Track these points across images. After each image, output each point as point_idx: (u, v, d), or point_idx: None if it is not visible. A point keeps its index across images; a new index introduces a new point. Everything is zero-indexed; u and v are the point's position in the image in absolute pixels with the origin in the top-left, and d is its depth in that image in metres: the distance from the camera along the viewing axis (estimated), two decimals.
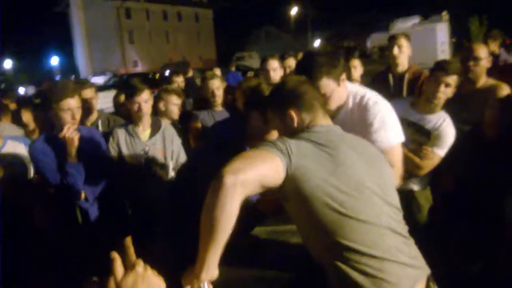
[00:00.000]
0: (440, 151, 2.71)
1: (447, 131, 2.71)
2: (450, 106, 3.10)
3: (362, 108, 2.11)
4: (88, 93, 3.59)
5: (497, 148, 2.89)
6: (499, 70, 3.85)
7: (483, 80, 3.05)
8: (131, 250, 3.34)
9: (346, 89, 2.16)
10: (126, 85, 3.19)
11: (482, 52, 3.02)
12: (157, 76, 17.63)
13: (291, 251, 1.88)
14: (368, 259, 1.41)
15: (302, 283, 1.78)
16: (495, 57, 5.02)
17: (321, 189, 1.42)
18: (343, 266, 1.42)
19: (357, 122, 2.11)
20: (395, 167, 2.06)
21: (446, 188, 3.10)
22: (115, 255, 1.06)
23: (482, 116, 2.93)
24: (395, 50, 3.60)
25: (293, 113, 1.63)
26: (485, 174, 2.89)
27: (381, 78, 3.80)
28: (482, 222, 2.97)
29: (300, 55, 4.39)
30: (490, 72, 3.36)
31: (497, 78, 3.23)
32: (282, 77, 3.99)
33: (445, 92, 2.70)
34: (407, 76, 3.59)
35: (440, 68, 2.71)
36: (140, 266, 1.06)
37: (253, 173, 1.31)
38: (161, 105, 3.65)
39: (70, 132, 2.70)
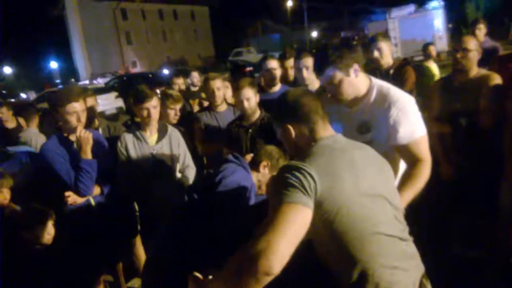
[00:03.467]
0: None
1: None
2: (444, 97, 3.21)
3: (386, 102, 2.16)
4: (88, 101, 3.62)
5: (492, 136, 2.98)
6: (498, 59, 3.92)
7: (475, 71, 3.12)
8: (141, 250, 3.49)
9: (364, 80, 2.23)
10: (134, 91, 3.30)
11: (471, 44, 3.08)
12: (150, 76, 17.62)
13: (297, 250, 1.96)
14: (383, 269, 1.49)
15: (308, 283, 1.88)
16: (494, 48, 5.10)
17: (346, 213, 1.46)
18: (359, 278, 1.49)
19: (379, 114, 2.18)
20: (424, 159, 2.15)
21: (447, 178, 3.19)
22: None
23: (476, 106, 3.01)
24: (376, 54, 3.74)
25: (289, 127, 1.69)
26: (482, 162, 2.99)
27: (372, 75, 3.91)
28: (481, 210, 3.07)
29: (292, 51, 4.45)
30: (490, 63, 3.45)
31: (495, 67, 3.30)
32: (282, 76, 4.08)
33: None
34: (392, 72, 3.73)
35: None
36: None
37: (289, 248, 1.34)
38: None
39: (84, 132, 2.91)
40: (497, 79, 3.05)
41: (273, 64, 3.98)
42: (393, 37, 16.59)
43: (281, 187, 1.46)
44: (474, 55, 3.07)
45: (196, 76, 6.21)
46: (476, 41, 3.20)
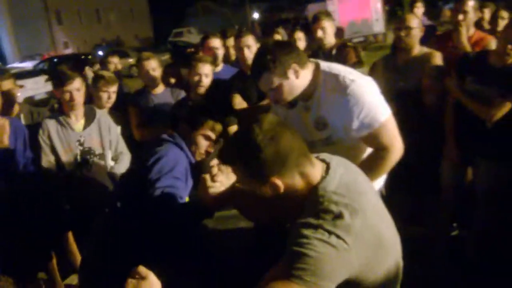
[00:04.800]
0: None
1: None
2: (386, 76, 3.17)
3: (338, 90, 1.91)
4: (6, 84, 3.38)
5: (437, 114, 2.99)
6: (436, 38, 3.97)
7: (418, 49, 3.11)
8: (74, 247, 3.26)
9: (308, 74, 1.96)
10: (55, 73, 3.01)
11: (414, 22, 3.07)
12: (90, 57, 16.66)
13: (241, 238, 1.85)
14: None
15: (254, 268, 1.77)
16: (432, 26, 5.26)
17: (387, 272, 1.27)
18: None
19: (331, 106, 1.93)
20: (386, 147, 1.92)
21: None
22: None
23: (419, 84, 3.01)
24: (319, 33, 3.69)
25: (277, 181, 1.27)
26: (426, 140, 2.99)
27: (315, 55, 3.84)
28: (425, 187, 3.10)
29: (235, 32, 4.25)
30: (428, 41, 3.48)
31: (434, 46, 3.32)
32: (224, 57, 3.90)
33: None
34: (334, 52, 3.68)
35: None
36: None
37: None
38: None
39: None
40: (438, 57, 3.07)
41: (215, 43, 3.79)
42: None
43: (306, 264, 1.13)
44: (417, 33, 3.08)
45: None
46: (418, 20, 3.20)
